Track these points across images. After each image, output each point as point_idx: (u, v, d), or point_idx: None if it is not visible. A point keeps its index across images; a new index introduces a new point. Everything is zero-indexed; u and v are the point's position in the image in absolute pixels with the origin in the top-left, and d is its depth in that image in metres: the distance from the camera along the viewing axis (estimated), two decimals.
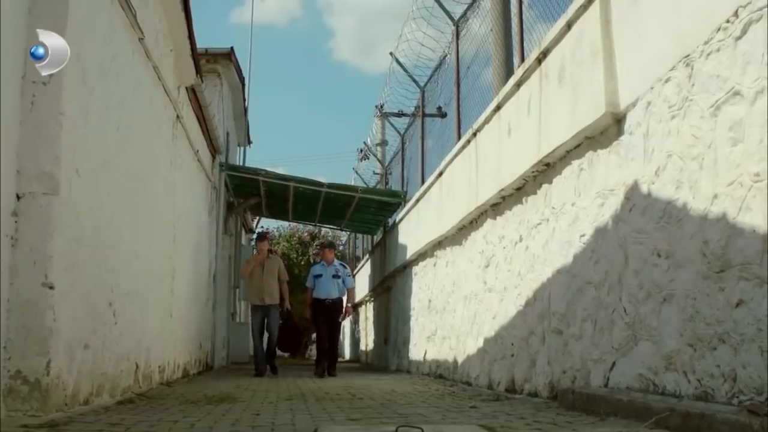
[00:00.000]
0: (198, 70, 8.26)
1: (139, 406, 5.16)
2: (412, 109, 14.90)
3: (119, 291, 5.60)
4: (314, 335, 14.09)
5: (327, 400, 5.82)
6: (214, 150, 11.54)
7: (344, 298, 11.02)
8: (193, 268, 9.95)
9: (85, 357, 4.71)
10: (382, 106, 24.59)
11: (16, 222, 4.07)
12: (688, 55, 3.75)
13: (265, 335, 10.95)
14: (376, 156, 20.79)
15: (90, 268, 4.84)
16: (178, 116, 8.10)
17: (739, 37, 3.34)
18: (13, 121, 4.09)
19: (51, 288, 4.08)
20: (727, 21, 3.42)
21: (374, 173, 21.78)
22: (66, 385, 4.32)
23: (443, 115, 11.46)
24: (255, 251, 11.52)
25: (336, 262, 10.93)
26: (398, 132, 14.14)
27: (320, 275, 10.63)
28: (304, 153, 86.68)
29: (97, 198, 4.98)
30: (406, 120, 15.14)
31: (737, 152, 3.34)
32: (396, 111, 16.08)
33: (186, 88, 8.61)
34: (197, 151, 9.79)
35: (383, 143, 20.96)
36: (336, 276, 10.64)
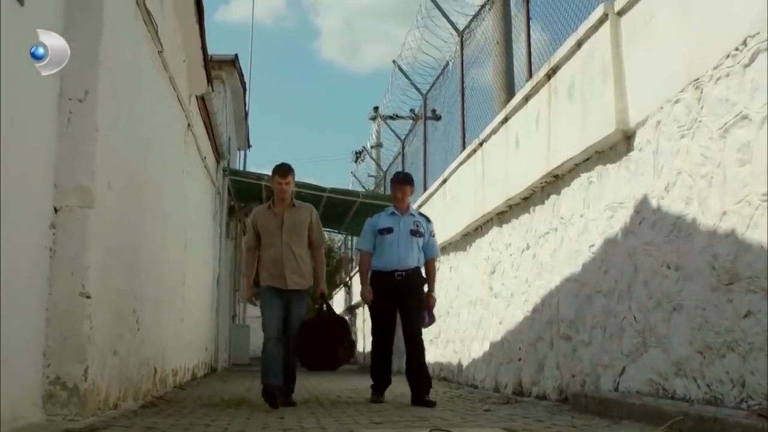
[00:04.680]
0: (209, 80, 8.45)
1: (163, 409, 5.34)
2: (408, 111, 15.15)
3: (141, 298, 5.78)
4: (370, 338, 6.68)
5: (342, 403, 6.01)
6: (218, 155, 11.72)
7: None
8: (201, 274, 10.13)
9: (114, 363, 4.89)
10: (377, 109, 24.92)
11: (54, 234, 4.23)
12: (697, 79, 3.97)
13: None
14: (372, 158, 21.02)
15: (118, 276, 5.02)
16: (189, 124, 8.29)
17: (748, 65, 3.56)
18: (50, 136, 4.26)
19: (88, 297, 4.25)
20: (736, 49, 3.64)
21: (369, 175, 22.03)
22: (99, 390, 4.50)
23: (438, 118, 11.79)
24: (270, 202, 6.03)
25: (413, 210, 6.38)
26: (398, 138, 14.35)
27: (388, 230, 6.01)
28: (291, 153, 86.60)
29: (123, 208, 5.16)
30: (403, 123, 15.37)
31: (745, 172, 3.56)
32: (391, 114, 16.31)
33: (196, 96, 8.78)
34: (204, 157, 9.98)
35: (378, 146, 21.20)
36: (416, 233, 6.01)
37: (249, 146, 17.89)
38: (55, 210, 4.27)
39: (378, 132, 20.95)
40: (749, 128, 3.55)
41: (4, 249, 3.51)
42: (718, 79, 3.80)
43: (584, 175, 5.42)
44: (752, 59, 3.54)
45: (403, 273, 5.93)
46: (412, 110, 14.86)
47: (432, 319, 6.16)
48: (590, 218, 5.29)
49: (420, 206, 11.21)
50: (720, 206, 3.75)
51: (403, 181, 6.30)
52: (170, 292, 7.39)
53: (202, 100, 9.12)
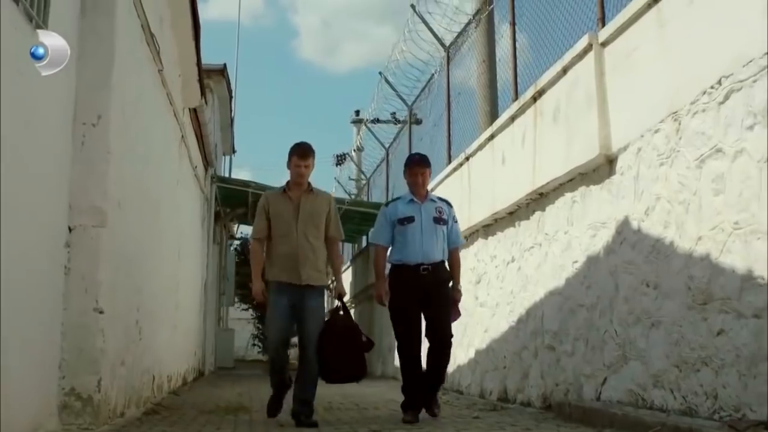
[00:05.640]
0: (203, 93, 8.66)
1: (165, 417, 5.56)
2: (389, 115, 15.43)
3: (143, 309, 5.99)
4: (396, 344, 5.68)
5: (335, 410, 6.24)
6: (207, 163, 11.91)
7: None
8: (191, 280, 10.34)
9: (121, 373, 5.11)
10: (358, 113, 25.11)
11: (68, 252, 4.45)
12: (676, 112, 4.28)
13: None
14: (355, 163, 21.25)
15: (124, 290, 5.24)
16: (182, 136, 8.49)
17: (722, 102, 3.88)
18: (65, 159, 4.47)
19: (101, 313, 4.48)
20: (712, 87, 3.95)
21: (350, 178, 22.29)
22: (110, 399, 4.72)
23: (418, 122, 12.15)
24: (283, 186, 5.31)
25: (433, 195, 5.66)
26: (383, 146, 14.61)
27: (409, 219, 5.34)
28: (271, 154, 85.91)
29: (129, 225, 5.37)
30: (386, 128, 15.59)
31: (719, 202, 3.87)
32: (373, 118, 16.55)
33: (188, 108, 8.99)
34: (195, 166, 10.18)
35: (359, 149, 21.45)
36: (439, 220, 5.37)
37: (234, 151, 18.12)
38: (70, 229, 4.48)
39: (361, 138, 21.21)
40: (723, 161, 3.86)
41: (23, 267, 3.73)
42: (695, 114, 4.11)
43: (568, 195, 5.72)
44: (726, 97, 3.85)
45: (429, 267, 5.23)
46: (393, 114, 15.15)
47: (457, 315, 5.51)
48: (574, 236, 5.59)
49: None
50: (696, 231, 4.06)
51: (420, 162, 5.55)
52: (166, 302, 7.60)
53: (194, 112, 9.33)
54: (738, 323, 3.66)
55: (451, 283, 5.46)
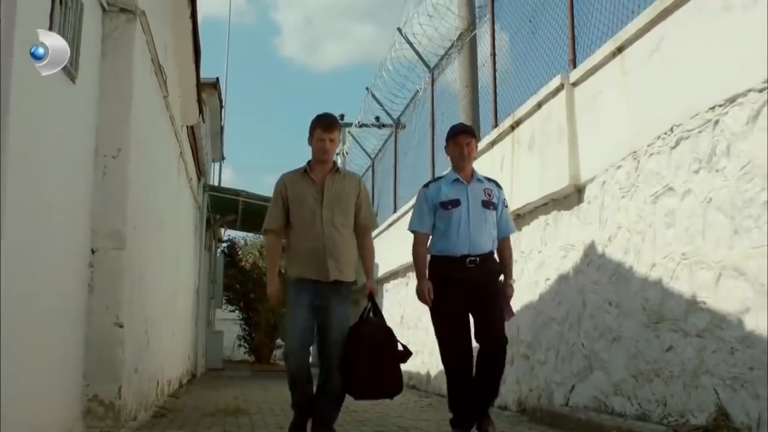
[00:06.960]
0: (201, 112, 9.13)
1: (172, 420, 6.06)
2: (372, 119, 15.90)
3: (150, 319, 6.49)
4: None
5: None
6: (200, 174, 12.38)
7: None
8: (186, 288, 10.81)
9: (135, 379, 5.61)
10: (342, 117, 25.50)
11: (91, 272, 4.94)
12: (635, 152, 4.85)
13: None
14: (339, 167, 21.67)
15: (137, 304, 5.73)
16: (181, 152, 8.97)
17: (674, 147, 4.44)
18: (87, 188, 4.96)
19: (121, 327, 4.97)
20: (665, 133, 4.51)
21: None
22: (126, 404, 5.22)
23: (402, 127, 12.70)
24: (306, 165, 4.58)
25: (480, 174, 4.84)
26: (369, 156, 15.12)
27: (454, 202, 4.61)
28: (254, 155, 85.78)
29: (141, 245, 5.86)
30: (366, 133, 16.06)
31: (670, 234, 4.44)
32: (357, 123, 17.02)
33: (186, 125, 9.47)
34: (191, 179, 10.65)
35: (344, 154, 21.90)
36: (488, 204, 4.66)
37: (223, 158, 18.60)
38: (92, 251, 4.97)
39: (348, 146, 21.64)
40: (674, 198, 4.43)
41: (52, 285, 4.21)
42: (651, 155, 4.68)
43: (542, 217, 6.28)
44: (677, 143, 4.41)
45: (477, 259, 4.50)
46: (377, 118, 15.63)
47: (511, 314, 4.76)
48: (547, 255, 6.16)
49: (390, 225, 12.01)
50: (651, 259, 4.62)
51: (464, 130, 4.81)
52: (167, 311, 8.09)
53: (191, 128, 9.80)
54: (684, 341, 4.23)
55: (501, 278, 4.75)
